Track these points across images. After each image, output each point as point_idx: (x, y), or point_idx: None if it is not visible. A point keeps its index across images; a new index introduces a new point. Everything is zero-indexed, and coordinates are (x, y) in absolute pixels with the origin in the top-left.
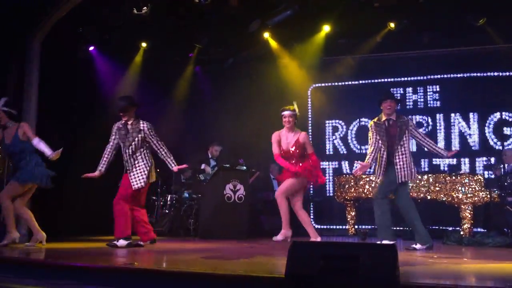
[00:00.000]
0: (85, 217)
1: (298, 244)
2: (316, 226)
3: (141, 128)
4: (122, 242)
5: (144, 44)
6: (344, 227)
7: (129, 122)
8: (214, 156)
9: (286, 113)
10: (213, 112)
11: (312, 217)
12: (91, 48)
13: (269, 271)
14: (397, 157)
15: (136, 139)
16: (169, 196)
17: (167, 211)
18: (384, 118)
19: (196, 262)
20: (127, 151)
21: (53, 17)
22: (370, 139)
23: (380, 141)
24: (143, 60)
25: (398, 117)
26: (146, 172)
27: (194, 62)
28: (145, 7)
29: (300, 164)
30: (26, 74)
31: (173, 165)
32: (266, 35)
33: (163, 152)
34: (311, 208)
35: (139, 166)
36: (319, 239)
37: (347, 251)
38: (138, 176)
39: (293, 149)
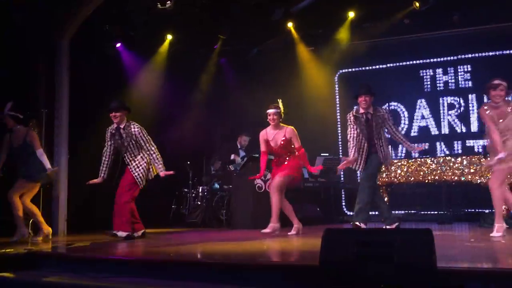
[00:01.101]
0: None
1: (332, 232)
2: (348, 213)
3: (133, 131)
4: (121, 233)
5: (169, 37)
6: (376, 213)
7: (122, 126)
8: (243, 146)
9: (270, 111)
10: (240, 103)
11: (343, 204)
12: (118, 44)
13: (302, 259)
14: (377, 147)
15: (131, 143)
16: (200, 187)
17: (199, 202)
18: (362, 111)
19: (230, 253)
20: (125, 155)
21: (80, 16)
22: (349, 132)
23: (361, 134)
24: (169, 54)
25: (375, 110)
26: (145, 164)
27: (218, 53)
28: (168, 1)
29: (286, 163)
30: (56, 74)
31: (161, 170)
32: (290, 24)
33: (153, 155)
34: (343, 195)
35: (138, 161)
36: (300, 226)
37: (382, 237)
38: (137, 169)
39: (281, 144)
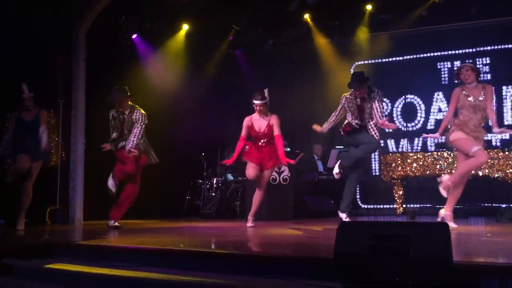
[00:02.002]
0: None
1: (347, 224)
2: (363, 206)
3: (135, 117)
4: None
5: (185, 27)
6: (391, 206)
7: (126, 112)
8: None
9: (256, 102)
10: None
11: (358, 197)
12: (134, 36)
13: (317, 252)
14: (369, 127)
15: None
16: (214, 179)
17: (213, 194)
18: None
19: (244, 244)
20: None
21: (96, 8)
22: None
23: (349, 115)
24: (184, 46)
25: (369, 91)
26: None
27: (234, 45)
28: None
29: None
30: (73, 65)
31: (129, 145)
32: (306, 15)
33: (134, 131)
34: (357, 188)
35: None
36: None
37: (397, 230)
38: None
39: (265, 131)
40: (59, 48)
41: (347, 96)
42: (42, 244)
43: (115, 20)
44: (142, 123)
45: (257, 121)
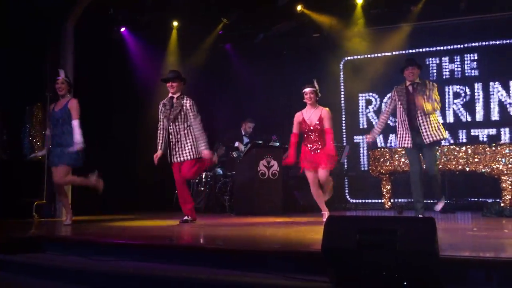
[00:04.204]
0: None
1: (335, 219)
2: (351, 201)
3: (183, 103)
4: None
5: (175, 23)
6: (379, 201)
7: (175, 96)
8: (247, 132)
9: (307, 89)
10: (245, 89)
11: (346, 191)
12: (123, 29)
13: (305, 246)
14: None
15: (181, 114)
16: (203, 173)
17: (202, 188)
18: (408, 83)
19: (232, 239)
20: (172, 125)
21: (84, 1)
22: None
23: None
24: (174, 39)
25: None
26: (192, 147)
27: (224, 38)
28: None
29: (320, 147)
30: (61, 58)
31: (203, 147)
32: (298, 7)
33: (196, 131)
34: (346, 183)
35: (186, 142)
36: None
37: (384, 225)
38: (185, 150)
39: (316, 123)
40: (47, 40)
41: (398, 87)
42: (30, 239)
43: (104, 13)
44: (195, 111)
45: (308, 114)
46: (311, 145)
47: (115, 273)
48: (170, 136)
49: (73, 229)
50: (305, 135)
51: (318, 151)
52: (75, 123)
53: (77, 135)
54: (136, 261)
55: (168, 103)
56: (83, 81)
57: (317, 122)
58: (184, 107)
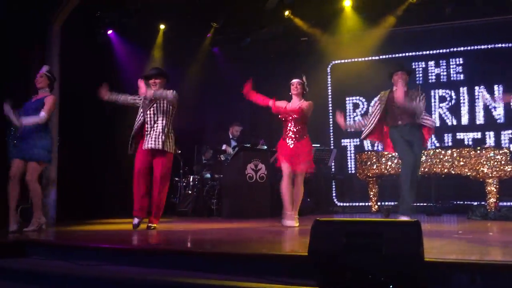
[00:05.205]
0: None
1: (321, 222)
2: (338, 204)
3: (166, 94)
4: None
5: (162, 26)
6: (366, 204)
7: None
8: (235, 136)
9: (294, 80)
10: (233, 92)
11: (334, 194)
12: (110, 32)
13: (292, 249)
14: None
15: (161, 105)
16: (191, 177)
17: (189, 191)
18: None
19: (220, 242)
20: (148, 118)
21: (71, 2)
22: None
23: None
24: (162, 42)
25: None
26: (163, 137)
27: (211, 42)
28: None
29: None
30: (46, 59)
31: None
32: (286, 12)
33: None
34: (333, 186)
35: (157, 129)
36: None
37: (371, 228)
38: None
39: (294, 111)
40: (33, 41)
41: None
42: (13, 243)
43: (91, 15)
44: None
45: (291, 102)
46: (288, 139)
47: (99, 278)
48: (146, 125)
49: (57, 233)
50: (284, 126)
51: (294, 145)
52: (42, 114)
53: (29, 120)
54: (120, 265)
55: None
56: (69, 83)
57: (296, 110)
58: (166, 95)
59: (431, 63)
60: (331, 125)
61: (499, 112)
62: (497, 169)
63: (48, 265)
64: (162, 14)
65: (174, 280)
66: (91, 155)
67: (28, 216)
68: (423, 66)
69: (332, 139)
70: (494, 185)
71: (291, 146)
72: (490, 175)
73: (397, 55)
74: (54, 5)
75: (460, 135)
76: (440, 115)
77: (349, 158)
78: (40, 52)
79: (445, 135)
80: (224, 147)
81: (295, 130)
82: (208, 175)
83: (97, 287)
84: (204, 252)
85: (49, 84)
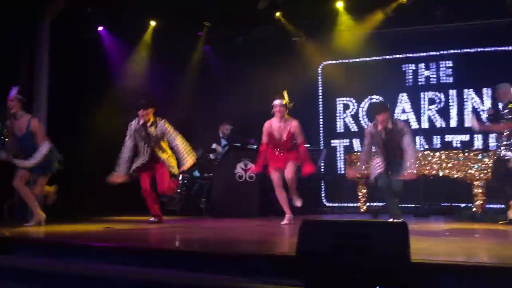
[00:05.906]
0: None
1: (309, 223)
2: (327, 204)
3: (161, 129)
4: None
5: (153, 23)
6: (355, 204)
7: (148, 124)
8: (225, 135)
9: (276, 102)
10: (223, 91)
11: (323, 195)
12: (100, 28)
13: (280, 249)
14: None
15: (159, 140)
16: (180, 175)
17: (178, 190)
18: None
19: (208, 241)
20: (147, 149)
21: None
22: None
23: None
24: (153, 40)
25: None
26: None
27: (203, 41)
28: None
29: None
30: (36, 56)
31: (183, 163)
32: (277, 13)
33: (178, 147)
34: (322, 187)
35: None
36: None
37: (358, 229)
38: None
39: (285, 139)
40: (23, 37)
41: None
42: None
43: (81, 12)
44: (174, 133)
45: (277, 126)
46: (279, 151)
47: (85, 276)
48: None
49: (42, 231)
50: (275, 146)
51: (284, 153)
52: (45, 144)
53: (37, 158)
54: (108, 263)
55: (142, 128)
56: (59, 81)
57: (286, 139)
58: (163, 132)
59: (421, 65)
60: (321, 126)
61: (487, 115)
62: (485, 171)
63: (33, 263)
64: (153, 11)
65: (160, 279)
66: (80, 152)
67: (15, 213)
68: (413, 68)
69: (322, 139)
70: (482, 187)
71: (281, 154)
72: (478, 177)
73: (387, 57)
74: (44, 2)
75: (448, 137)
76: (429, 117)
77: (338, 158)
78: (30, 49)
79: (434, 137)
80: (214, 146)
81: (286, 149)
82: (198, 174)
83: (81, 285)
84: (191, 251)
85: (22, 106)
